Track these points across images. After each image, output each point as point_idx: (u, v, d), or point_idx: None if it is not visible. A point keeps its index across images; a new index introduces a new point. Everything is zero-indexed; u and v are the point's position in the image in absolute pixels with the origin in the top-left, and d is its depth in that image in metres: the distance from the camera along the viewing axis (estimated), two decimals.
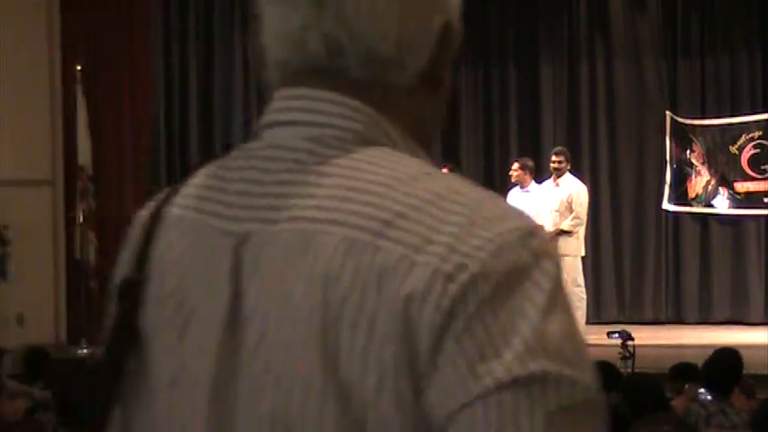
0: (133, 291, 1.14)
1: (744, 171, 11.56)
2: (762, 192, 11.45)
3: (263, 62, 1.19)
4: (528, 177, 10.70)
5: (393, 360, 0.97)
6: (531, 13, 12.37)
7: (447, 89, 1.18)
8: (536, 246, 0.99)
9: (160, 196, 1.21)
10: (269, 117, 1.14)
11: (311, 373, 0.99)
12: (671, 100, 11.96)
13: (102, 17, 10.53)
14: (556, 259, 1.00)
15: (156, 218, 1.17)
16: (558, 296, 0.97)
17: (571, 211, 10.23)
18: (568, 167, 10.41)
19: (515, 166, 10.77)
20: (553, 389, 0.95)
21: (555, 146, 11.27)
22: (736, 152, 11.53)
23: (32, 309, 10.26)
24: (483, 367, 0.95)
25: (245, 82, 12.43)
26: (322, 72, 1.12)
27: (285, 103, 1.14)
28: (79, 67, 10.18)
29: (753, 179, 11.52)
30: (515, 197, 10.76)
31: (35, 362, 6.85)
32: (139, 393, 1.13)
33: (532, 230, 1.00)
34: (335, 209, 1.03)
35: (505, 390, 0.94)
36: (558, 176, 10.32)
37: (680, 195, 11.77)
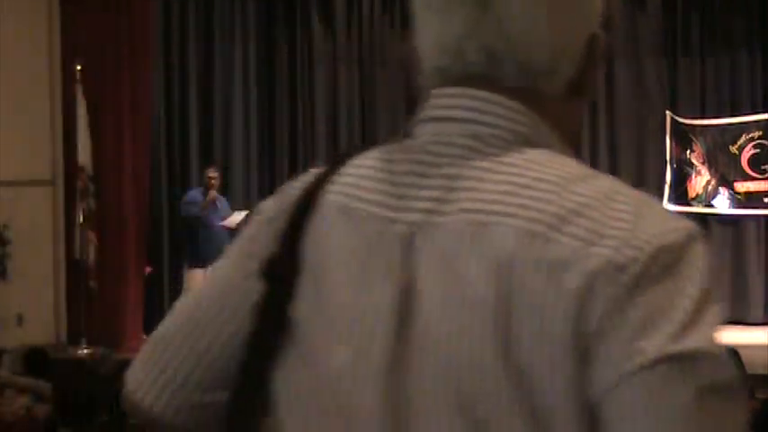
0: (285, 272, 1.18)
1: (744, 171, 11.56)
2: (762, 192, 11.45)
3: (416, 65, 1.26)
4: None
5: (564, 346, 1.03)
6: None
7: (590, 96, 1.29)
8: (695, 239, 1.12)
9: (307, 179, 1.26)
10: (428, 113, 1.22)
11: (486, 357, 1.05)
12: (671, 100, 11.96)
13: (102, 17, 10.52)
14: (705, 253, 1.14)
15: (307, 201, 1.21)
16: (707, 285, 1.11)
17: None
18: None
19: None
20: (706, 365, 1.03)
21: None
22: (737, 152, 11.54)
23: (32, 309, 10.25)
24: (643, 343, 1.02)
25: (244, 82, 12.43)
26: (479, 79, 1.18)
27: (445, 101, 1.20)
28: (79, 67, 10.18)
29: (753, 179, 11.52)
30: None
31: (35, 362, 6.86)
32: (291, 377, 1.17)
33: (691, 227, 1.13)
34: (506, 202, 1.10)
35: (661, 364, 1.02)
36: None
37: (680, 195, 11.77)
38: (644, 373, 1.02)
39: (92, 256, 10.17)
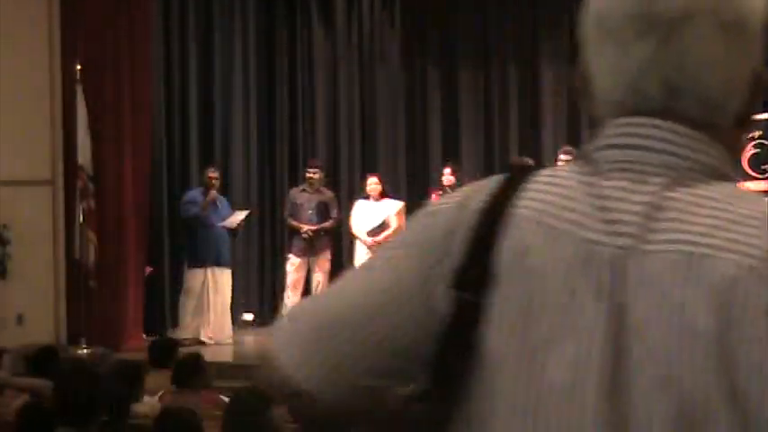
0: (478, 284, 1.24)
1: (744, 171, 11.55)
2: (762, 192, 11.45)
3: (587, 92, 1.36)
4: None
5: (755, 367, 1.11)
6: (531, 13, 12.37)
7: (751, 129, 1.38)
8: None
9: (491, 190, 1.30)
10: (613, 141, 1.30)
11: (707, 383, 1.12)
12: None
13: (102, 17, 10.52)
14: None
15: (498, 214, 1.27)
16: None
17: None
18: None
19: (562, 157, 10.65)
20: None
21: (555, 146, 11.28)
22: None
23: (32, 309, 10.25)
24: None
25: (245, 82, 12.43)
26: (660, 111, 1.26)
27: (633, 130, 1.27)
28: (79, 67, 10.18)
29: (753, 179, 11.51)
30: None
31: (44, 360, 6.82)
32: (503, 388, 1.23)
33: None
34: (718, 236, 1.17)
35: None
36: None
37: None
38: None
39: (92, 256, 10.17)
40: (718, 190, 1.21)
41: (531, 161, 10.85)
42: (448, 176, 10.80)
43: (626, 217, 1.21)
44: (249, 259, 12.32)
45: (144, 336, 10.47)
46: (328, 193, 11.26)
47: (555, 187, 1.28)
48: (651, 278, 1.17)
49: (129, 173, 10.59)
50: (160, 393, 5.96)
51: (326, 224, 11.09)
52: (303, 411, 1.34)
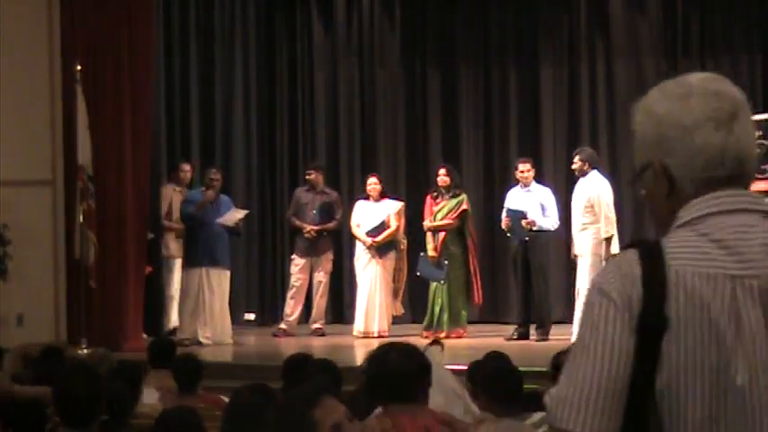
0: (660, 326, 1.76)
1: None
2: (762, 192, 11.42)
3: (669, 178, 1.89)
4: (531, 177, 10.70)
5: None
6: (531, 13, 12.37)
7: None
8: None
9: (642, 257, 1.81)
10: (711, 207, 1.83)
11: None
12: None
13: (102, 17, 10.52)
14: None
15: (658, 273, 1.78)
16: None
17: (591, 210, 10.11)
18: (586, 167, 10.25)
19: (527, 166, 10.66)
20: None
21: (555, 146, 11.29)
22: None
23: (32, 309, 10.25)
24: None
25: (245, 82, 12.43)
26: (730, 180, 1.85)
27: (723, 198, 1.84)
28: (79, 67, 10.18)
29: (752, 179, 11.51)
30: (516, 197, 10.75)
31: (50, 360, 6.79)
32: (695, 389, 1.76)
33: None
34: None
35: None
36: (582, 176, 10.23)
37: None
38: None
39: (92, 256, 10.17)
40: None
41: (530, 161, 10.85)
42: (443, 177, 10.80)
43: (756, 257, 1.79)
44: (250, 259, 12.33)
45: (144, 335, 10.46)
46: (333, 194, 11.26)
47: (690, 247, 1.81)
48: None
49: (129, 173, 10.58)
50: (160, 394, 5.97)
51: (330, 225, 11.08)
52: None
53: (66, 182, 10.39)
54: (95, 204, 10.21)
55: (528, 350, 9.92)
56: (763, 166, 11.50)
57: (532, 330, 10.55)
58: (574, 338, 1.88)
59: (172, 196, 11.20)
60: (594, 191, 10.17)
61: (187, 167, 11.45)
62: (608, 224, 10.14)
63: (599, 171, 10.34)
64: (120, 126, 10.55)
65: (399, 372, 3.86)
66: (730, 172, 1.84)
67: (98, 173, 10.29)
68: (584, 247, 10.18)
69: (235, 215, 10.78)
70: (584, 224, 10.17)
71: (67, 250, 10.36)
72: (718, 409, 1.75)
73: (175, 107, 12.00)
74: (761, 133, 11.53)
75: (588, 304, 1.82)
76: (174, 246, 11.18)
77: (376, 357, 4.05)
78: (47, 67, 10.42)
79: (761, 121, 11.53)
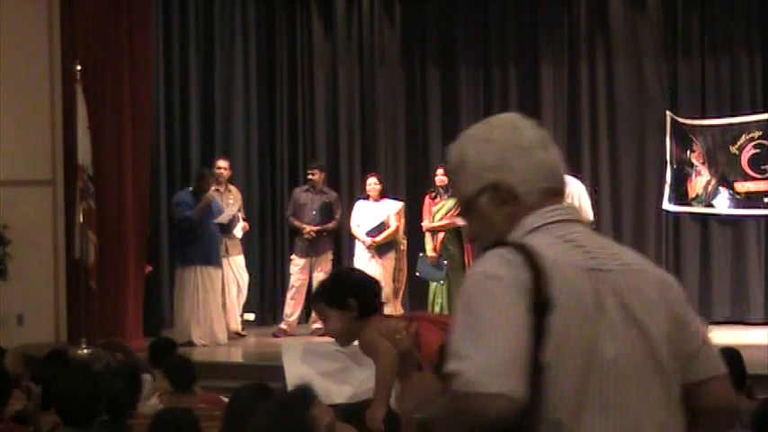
0: (547, 307, 2.05)
1: (744, 171, 11.55)
2: (762, 192, 11.44)
3: (506, 194, 2.22)
4: None
5: (680, 323, 2.22)
6: (531, 13, 12.37)
7: None
8: None
9: (517, 251, 2.11)
10: (553, 216, 2.21)
11: (663, 330, 2.17)
12: (671, 100, 11.95)
13: (102, 17, 10.52)
14: None
15: (537, 260, 2.07)
16: None
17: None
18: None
19: None
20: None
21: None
22: (737, 152, 11.53)
23: (32, 309, 10.25)
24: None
25: (245, 82, 12.43)
26: (560, 192, 2.26)
27: (560, 210, 2.22)
28: (79, 67, 10.18)
29: (753, 179, 11.51)
30: None
31: (57, 362, 6.78)
32: (564, 362, 2.07)
33: None
34: (638, 260, 2.24)
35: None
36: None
37: (680, 195, 11.76)
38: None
39: (92, 256, 10.17)
40: (605, 239, 2.31)
41: None
42: (440, 177, 10.81)
43: (599, 252, 2.18)
44: (250, 259, 12.32)
45: (144, 335, 10.45)
46: (332, 194, 11.25)
47: (551, 246, 2.14)
48: (632, 283, 2.16)
49: (129, 173, 10.58)
50: (159, 393, 5.97)
51: (329, 225, 11.08)
52: (510, 418, 2.01)
53: (66, 182, 10.39)
54: (95, 204, 10.20)
55: None
56: (763, 167, 11.52)
57: None
58: (462, 318, 2.08)
59: (213, 197, 10.74)
60: (575, 190, 10.18)
61: (223, 164, 11.06)
62: (585, 221, 10.17)
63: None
64: (120, 126, 10.55)
65: None
66: (558, 185, 2.24)
67: (98, 173, 10.29)
68: None
69: (228, 212, 10.77)
70: None
71: (67, 250, 10.36)
72: (591, 379, 2.06)
73: (175, 107, 12.00)
74: (761, 133, 11.54)
75: (481, 289, 2.06)
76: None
77: None
78: (47, 67, 10.42)
79: (761, 121, 11.54)
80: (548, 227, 2.17)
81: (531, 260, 2.06)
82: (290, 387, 4.89)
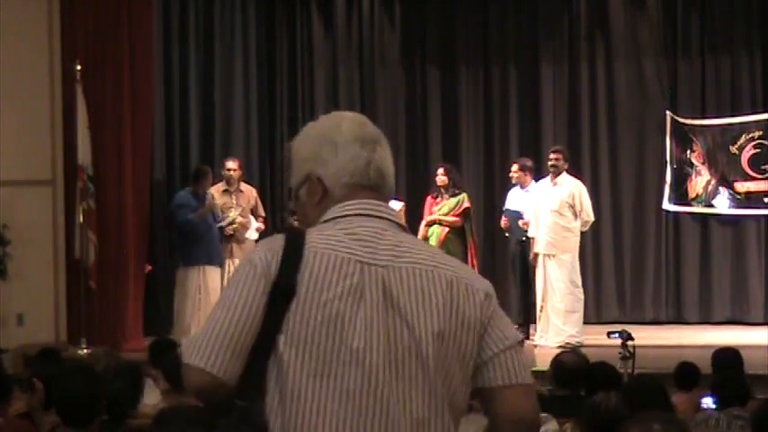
0: (289, 291, 2.16)
1: (744, 171, 11.55)
2: (762, 192, 11.44)
3: (321, 187, 2.31)
4: (528, 177, 10.70)
5: (469, 328, 2.25)
6: (531, 13, 12.37)
7: None
8: None
9: (277, 244, 2.23)
10: (351, 210, 2.27)
11: (434, 329, 2.19)
12: (671, 100, 11.95)
13: (102, 17, 10.51)
14: None
15: (297, 250, 2.19)
16: None
17: (571, 209, 10.17)
18: (566, 166, 10.34)
19: (515, 167, 10.77)
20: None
21: (555, 146, 11.27)
22: (737, 152, 11.53)
23: (32, 309, 10.25)
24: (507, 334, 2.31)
25: (245, 82, 12.43)
26: (372, 189, 2.31)
27: (363, 204, 2.28)
28: (79, 67, 10.18)
29: (753, 179, 11.51)
30: (516, 197, 10.77)
31: (46, 360, 6.79)
32: (298, 349, 2.15)
33: None
34: (433, 260, 2.26)
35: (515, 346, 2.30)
36: (556, 175, 10.23)
37: (680, 195, 11.76)
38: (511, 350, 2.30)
39: (92, 256, 10.17)
40: (408, 236, 2.31)
41: (529, 161, 10.86)
42: (440, 177, 10.83)
43: (381, 248, 2.22)
44: None
45: (144, 335, 10.45)
46: None
47: (328, 236, 2.22)
48: (406, 280, 2.21)
49: (129, 173, 10.58)
50: (160, 393, 5.96)
51: None
52: (217, 396, 2.15)
53: (66, 182, 10.39)
54: (95, 204, 10.20)
55: (528, 350, 9.93)
56: (763, 167, 11.52)
57: (532, 330, 10.55)
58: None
59: (215, 204, 10.64)
60: (576, 189, 10.19)
61: (232, 165, 10.88)
62: (587, 220, 10.19)
63: (568, 172, 10.37)
64: (120, 126, 10.55)
65: None
66: (373, 182, 2.30)
67: (98, 173, 10.29)
68: (569, 245, 10.17)
69: (228, 220, 10.74)
70: (564, 223, 10.15)
71: (67, 250, 10.36)
72: (331, 365, 2.12)
73: (175, 107, 11.99)
74: (761, 133, 11.54)
75: (236, 269, 2.23)
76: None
77: None
78: (47, 67, 10.42)
79: (761, 121, 11.54)
80: (338, 219, 2.25)
81: (288, 248, 2.17)
82: None
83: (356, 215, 2.26)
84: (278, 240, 2.22)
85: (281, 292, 2.14)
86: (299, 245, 2.18)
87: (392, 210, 2.33)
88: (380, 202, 2.31)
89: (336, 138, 2.32)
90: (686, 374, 6.52)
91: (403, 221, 2.50)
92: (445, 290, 2.22)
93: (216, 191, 10.73)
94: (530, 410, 2.30)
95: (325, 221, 2.27)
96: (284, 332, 2.13)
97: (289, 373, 2.12)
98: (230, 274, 10.98)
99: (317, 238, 2.20)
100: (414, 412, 2.16)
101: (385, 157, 2.34)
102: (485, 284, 2.30)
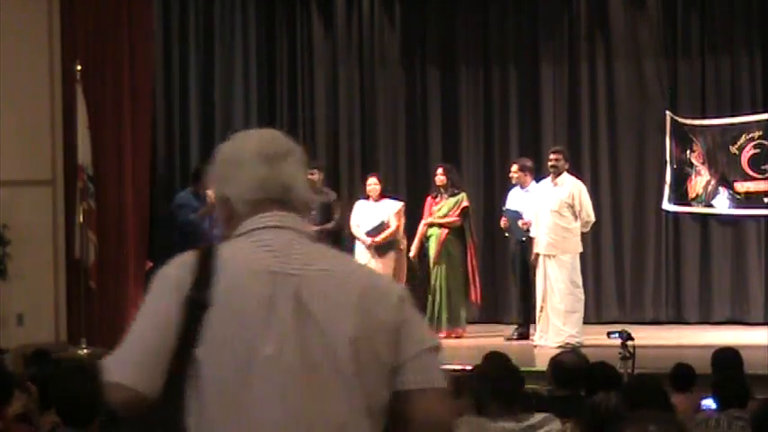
0: (203, 304, 2.21)
1: (744, 171, 11.54)
2: (762, 192, 11.43)
3: (229, 206, 2.38)
4: (528, 178, 10.70)
5: (382, 332, 2.29)
6: (531, 13, 12.36)
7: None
8: None
9: (190, 259, 2.28)
10: (259, 224, 2.34)
11: (348, 334, 2.23)
12: (671, 100, 11.95)
13: (102, 17, 10.52)
14: None
15: (209, 264, 2.25)
16: None
17: (571, 209, 10.17)
18: (567, 166, 10.34)
19: (514, 167, 10.77)
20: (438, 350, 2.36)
21: (555, 146, 11.28)
22: (737, 152, 11.52)
23: (32, 309, 10.25)
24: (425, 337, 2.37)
25: (245, 82, 12.43)
26: (279, 202, 2.36)
27: (269, 217, 2.34)
28: (79, 67, 10.18)
29: (753, 179, 11.51)
30: (516, 197, 10.77)
31: (39, 361, 6.80)
32: (212, 356, 2.22)
33: None
34: (340, 268, 2.32)
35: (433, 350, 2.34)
36: (557, 175, 10.23)
37: (680, 195, 11.76)
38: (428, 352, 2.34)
39: (92, 256, 10.17)
40: (317, 245, 2.36)
41: (529, 162, 10.86)
42: (439, 177, 10.84)
43: (293, 259, 2.27)
44: None
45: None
46: (332, 195, 11.23)
47: (239, 249, 2.30)
48: (317, 287, 2.25)
49: (129, 173, 10.58)
50: None
51: (328, 226, 11.06)
52: (140, 410, 2.20)
53: (66, 182, 10.39)
54: (95, 204, 10.21)
55: (528, 350, 9.93)
56: (763, 167, 11.52)
57: (532, 330, 10.55)
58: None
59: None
60: (576, 189, 10.19)
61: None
62: (587, 220, 10.20)
63: (569, 171, 10.38)
64: (120, 126, 10.55)
65: None
66: (275, 196, 2.35)
67: (98, 173, 10.29)
68: (569, 245, 10.17)
69: None
70: (564, 223, 10.15)
71: (67, 250, 10.36)
72: (246, 373, 2.18)
73: (175, 107, 12.00)
74: (761, 133, 11.53)
75: (152, 286, 2.28)
76: None
77: None
78: (47, 67, 10.41)
79: (761, 121, 11.54)
80: (250, 233, 2.32)
81: (200, 262, 2.24)
82: None
83: (264, 228, 2.32)
84: (190, 255, 2.28)
85: (195, 304, 2.20)
86: (212, 258, 2.25)
87: (300, 220, 2.38)
88: (286, 213, 2.35)
89: (240, 156, 2.39)
90: (682, 376, 6.52)
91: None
92: (358, 295, 2.26)
93: None
94: (444, 414, 2.34)
95: (239, 235, 2.33)
96: (200, 344, 2.18)
97: (206, 382, 2.18)
98: None
99: (229, 252, 2.28)
100: (332, 417, 2.20)
101: (292, 171, 2.38)
102: (398, 288, 2.34)
